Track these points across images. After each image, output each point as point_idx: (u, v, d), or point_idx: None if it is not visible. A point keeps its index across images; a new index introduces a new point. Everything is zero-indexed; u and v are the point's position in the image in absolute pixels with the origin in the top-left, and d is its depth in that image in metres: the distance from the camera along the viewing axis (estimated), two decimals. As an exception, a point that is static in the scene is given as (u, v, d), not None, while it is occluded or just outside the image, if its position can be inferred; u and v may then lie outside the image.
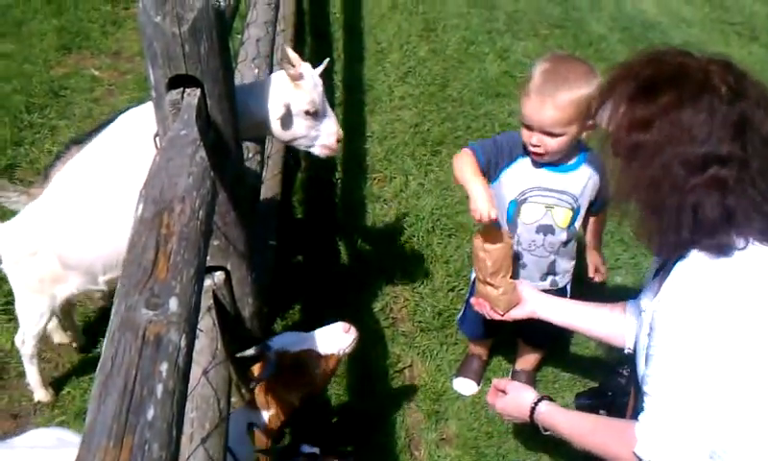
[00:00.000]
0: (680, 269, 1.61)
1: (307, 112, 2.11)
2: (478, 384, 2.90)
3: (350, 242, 3.49)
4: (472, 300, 2.36)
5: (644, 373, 1.70)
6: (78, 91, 4.35)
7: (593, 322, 2.18)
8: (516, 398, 2.11)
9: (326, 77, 4.70)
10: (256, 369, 1.97)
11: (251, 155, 2.49)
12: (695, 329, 1.56)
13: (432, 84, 4.75)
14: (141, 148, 1.80)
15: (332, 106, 4.47)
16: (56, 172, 2.43)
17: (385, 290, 3.24)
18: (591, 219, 2.54)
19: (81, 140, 2.52)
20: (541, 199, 2.35)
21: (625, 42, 5.64)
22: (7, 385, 2.69)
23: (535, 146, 2.23)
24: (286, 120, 2.09)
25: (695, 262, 1.58)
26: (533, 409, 2.05)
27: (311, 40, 5.20)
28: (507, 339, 2.96)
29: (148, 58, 1.59)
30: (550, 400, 2.07)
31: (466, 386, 2.89)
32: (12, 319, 2.86)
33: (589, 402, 2.44)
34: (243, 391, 1.96)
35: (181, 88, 1.62)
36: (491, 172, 2.35)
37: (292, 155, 3.69)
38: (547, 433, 2.05)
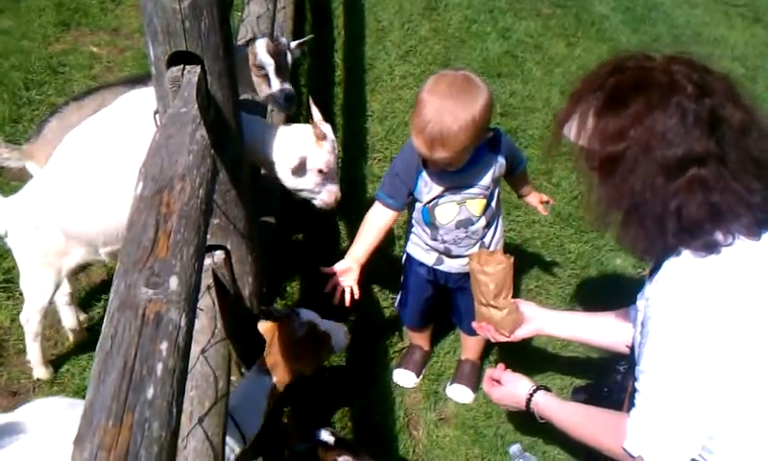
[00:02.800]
0: (668, 267, 1.61)
1: (320, 171, 2.24)
2: (418, 376, 2.84)
3: (351, 222, 3.47)
4: (475, 324, 2.31)
5: (636, 368, 1.70)
6: (76, 68, 4.31)
7: (599, 332, 2.18)
8: (512, 389, 2.12)
9: (327, 55, 4.70)
10: (268, 329, 2.05)
11: (251, 133, 2.48)
12: (684, 327, 1.56)
13: (433, 64, 4.71)
14: (142, 123, 1.80)
15: (332, 84, 4.49)
16: (48, 127, 2.49)
17: (385, 271, 3.22)
18: (516, 178, 2.54)
19: (79, 97, 2.55)
20: (451, 198, 2.33)
21: (627, 23, 5.61)
22: (6, 362, 2.68)
23: (436, 167, 2.23)
24: (298, 172, 2.22)
25: (683, 260, 1.58)
26: (529, 399, 2.06)
27: (311, 18, 5.16)
28: (449, 331, 2.99)
29: (148, 34, 1.57)
30: (546, 389, 2.08)
31: (405, 378, 2.83)
32: (11, 296, 2.87)
33: (585, 398, 2.44)
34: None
35: (182, 65, 1.60)
36: (409, 198, 2.40)
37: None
38: (543, 422, 2.06)
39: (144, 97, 2.01)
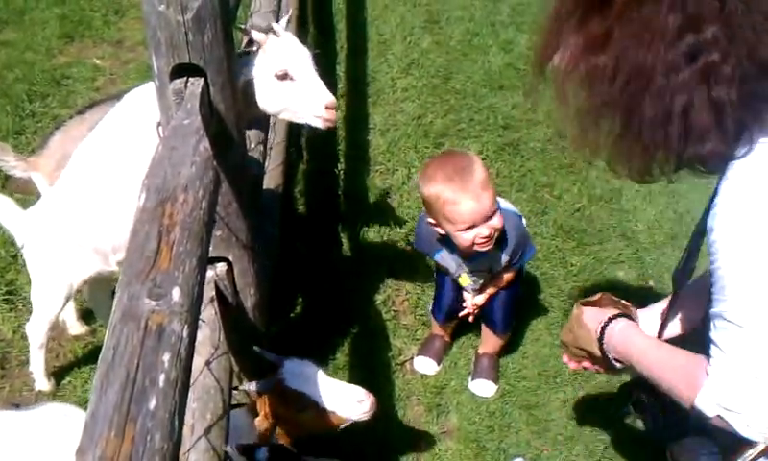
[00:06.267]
0: (726, 189, 1.41)
1: (277, 76, 1.93)
2: (438, 364, 2.92)
3: (352, 234, 3.48)
4: (573, 366, 2.10)
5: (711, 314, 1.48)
6: (80, 80, 4.33)
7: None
8: (598, 313, 1.90)
9: (329, 68, 4.72)
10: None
11: (253, 145, 2.48)
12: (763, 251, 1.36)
13: (435, 77, 4.72)
14: (145, 127, 1.80)
15: (334, 97, 4.49)
16: (54, 140, 2.52)
17: (387, 283, 3.23)
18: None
19: (82, 111, 2.58)
20: (467, 275, 2.67)
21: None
22: (8, 374, 2.68)
23: (485, 237, 2.38)
24: (250, 91, 1.93)
25: (738, 178, 1.39)
26: (605, 324, 1.84)
27: (314, 31, 5.18)
28: (450, 346, 3.01)
29: (151, 46, 1.58)
30: (630, 319, 1.88)
31: (426, 365, 2.91)
32: (14, 308, 2.87)
33: None
34: (247, 390, 1.94)
35: (185, 77, 1.61)
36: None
37: (294, 147, 3.69)
38: (618, 365, 1.85)
39: (144, 95, 2.01)
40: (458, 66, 4.88)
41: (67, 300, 2.44)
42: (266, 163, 3.10)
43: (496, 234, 2.41)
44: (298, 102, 1.97)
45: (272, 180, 3.14)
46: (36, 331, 2.49)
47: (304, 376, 1.90)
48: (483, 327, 2.86)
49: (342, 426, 1.94)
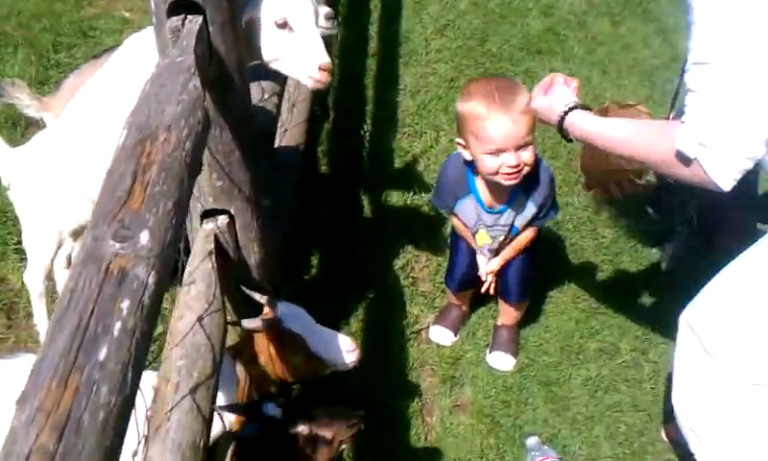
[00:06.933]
0: None
1: (277, 25, 1.81)
2: (455, 335, 2.81)
3: (375, 197, 3.38)
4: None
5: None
6: (107, 32, 4.26)
7: None
8: (551, 101, 1.94)
9: (361, 27, 4.59)
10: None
11: (266, 96, 2.37)
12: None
13: (471, 39, 4.56)
14: (145, 71, 1.71)
15: (365, 56, 4.37)
16: (67, 82, 2.52)
17: (407, 248, 3.13)
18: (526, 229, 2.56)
19: (98, 55, 2.58)
20: (486, 231, 2.53)
21: (676, 3, 5.37)
22: (14, 325, 2.66)
23: (513, 167, 2.23)
24: (250, 33, 1.81)
25: None
26: (563, 117, 1.88)
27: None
28: (467, 317, 2.91)
29: (148, -20, 1.49)
30: (586, 108, 1.90)
31: (442, 335, 2.81)
32: (24, 258, 2.82)
33: None
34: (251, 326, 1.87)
35: (183, 15, 1.51)
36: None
37: (320, 105, 3.59)
38: (572, 142, 1.93)
39: (145, 38, 1.91)
40: (495, 29, 4.70)
41: (59, 246, 2.38)
42: (289, 119, 3.01)
43: (525, 170, 2.25)
44: (291, 55, 1.84)
45: (293, 137, 3.04)
46: (33, 279, 2.44)
47: (301, 320, 1.88)
48: (499, 298, 2.74)
49: (325, 373, 1.94)
